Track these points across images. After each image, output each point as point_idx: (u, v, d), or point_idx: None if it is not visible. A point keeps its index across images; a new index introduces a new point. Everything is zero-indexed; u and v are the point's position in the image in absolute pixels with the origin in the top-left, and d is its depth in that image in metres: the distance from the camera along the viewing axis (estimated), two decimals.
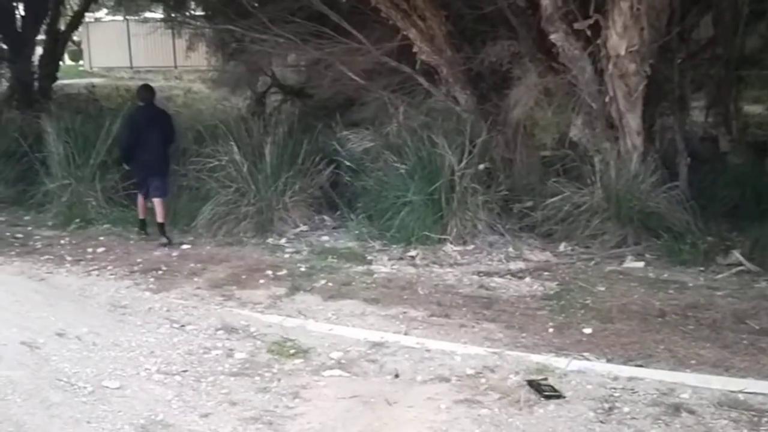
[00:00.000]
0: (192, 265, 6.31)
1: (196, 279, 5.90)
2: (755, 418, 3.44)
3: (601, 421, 3.39)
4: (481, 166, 7.24)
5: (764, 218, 6.51)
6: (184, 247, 6.86)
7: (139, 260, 6.42)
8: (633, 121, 7.12)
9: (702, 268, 6.10)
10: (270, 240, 7.05)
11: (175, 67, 20.69)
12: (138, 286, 5.72)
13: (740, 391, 3.71)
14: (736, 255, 6.12)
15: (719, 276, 5.89)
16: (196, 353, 4.33)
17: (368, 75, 8.65)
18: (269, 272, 6.08)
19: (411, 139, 7.43)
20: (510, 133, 7.73)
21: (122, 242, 7.05)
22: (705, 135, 9.00)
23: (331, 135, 8.24)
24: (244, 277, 5.97)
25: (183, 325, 4.81)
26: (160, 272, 6.09)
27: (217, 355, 4.27)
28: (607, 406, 3.56)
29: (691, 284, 5.81)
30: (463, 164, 7.13)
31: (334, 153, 7.93)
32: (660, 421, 3.40)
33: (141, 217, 7.28)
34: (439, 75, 7.96)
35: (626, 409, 3.51)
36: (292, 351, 4.36)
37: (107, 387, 3.64)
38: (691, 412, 3.52)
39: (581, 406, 3.54)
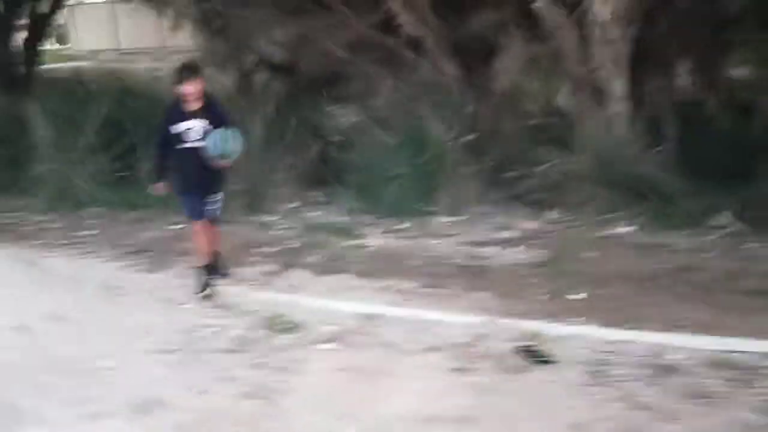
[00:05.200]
0: (185, 244, 6.30)
1: (189, 258, 5.90)
2: (747, 377, 3.48)
3: (594, 385, 3.43)
4: (470, 137, 7.24)
5: (751, 180, 6.54)
6: (177, 226, 6.85)
7: (132, 241, 6.42)
8: (619, 86, 7.13)
9: (692, 231, 6.14)
10: (261, 217, 7.05)
11: (164, 47, 20.47)
12: (132, 267, 5.72)
13: (732, 351, 3.75)
14: (726, 216, 6.16)
15: (709, 238, 5.92)
16: (191, 331, 4.35)
17: (353, 49, 8.59)
18: (262, 249, 6.09)
19: (398, 112, 7.41)
20: (497, 102, 7.73)
21: (114, 224, 7.04)
22: (692, 99, 9.01)
23: (318, 111, 8.20)
24: (236, 254, 5.96)
25: (178, 304, 4.82)
26: (153, 252, 6.08)
27: (212, 332, 4.29)
28: (599, 369, 3.60)
29: (681, 247, 5.84)
30: (451, 135, 7.14)
31: (322, 129, 7.90)
32: (652, 382, 3.44)
33: (206, 252, 5.09)
34: (424, 46, 7.92)
35: (618, 372, 3.56)
36: (286, 326, 4.38)
37: (102, 367, 3.65)
38: (684, 372, 3.56)
39: (574, 371, 3.58)
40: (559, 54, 7.24)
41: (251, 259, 5.88)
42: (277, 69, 11.73)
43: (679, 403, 3.24)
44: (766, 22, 7.75)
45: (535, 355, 3.74)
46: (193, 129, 4.81)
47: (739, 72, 8.95)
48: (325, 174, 7.80)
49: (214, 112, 4.87)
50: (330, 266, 5.65)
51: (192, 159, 4.79)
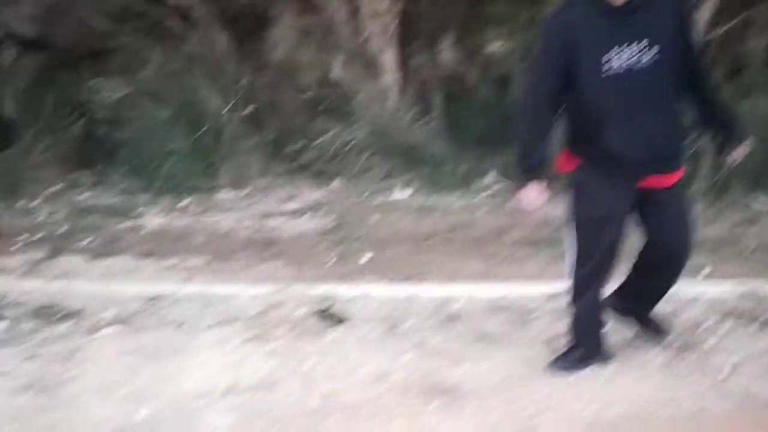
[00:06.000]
0: None
1: None
2: (522, 316, 3.79)
3: (387, 338, 3.54)
4: (247, 110, 7.11)
5: (510, 144, 7.12)
6: None
7: None
8: (389, 58, 7.40)
9: (462, 192, 6.56)
10: (20, 203, 6.39)
11: None
12: None
13: (507, 296, 4.05)
14: (491, 176, 6.66)
15: (477, 198, 6.37)
16: None
17: (115, 20, 8.03)
18: (23, 237, 5.52)
19: (170, 84, 7.08)
20: (273, 75, 7.66)
21: None
22: (454, 71, 9.59)
23: (79, 87, 7.58)
24: None
25: None
26: None
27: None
28: (390, 324, 3.72)
29: (453, 207, 6.23)
30: (227, 108, 6.97)
31: (86, 105, 7.33)
32: (439, 330, 3.64)
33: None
34: (193, 16, 7.62)
35: (408, 324, 3.71)
36: (59, 314, 4.01)
37: None
38: (466, 318, 3.79)
39: (367, 327, 3.67)
40: (332, 26, 7.33)
41: (12, 248, 5.31)
42: (27, 44, 10.68)
43: (465, 347, 3.44)
44: None
45: (329, 317, 3.78)
46: None
47: (495, 45, 9.67)
48: (91, 153, 7.25)
49: None
50: (106, 249, 5.28)
51: None
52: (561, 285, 3.29)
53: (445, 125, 7.48)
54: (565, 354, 3.14)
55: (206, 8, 7.53)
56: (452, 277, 4.50)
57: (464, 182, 6.74)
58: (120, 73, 7.60)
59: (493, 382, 3.08)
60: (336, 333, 3.62)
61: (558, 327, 3.41)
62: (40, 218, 6.02)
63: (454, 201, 6.36)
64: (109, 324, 3.94)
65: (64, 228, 5.73)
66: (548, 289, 3.93)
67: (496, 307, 3.92)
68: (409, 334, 3.58)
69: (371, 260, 4.90)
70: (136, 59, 7.67)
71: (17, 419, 2.82)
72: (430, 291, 4.20)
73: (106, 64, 8.04)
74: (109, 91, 7.35)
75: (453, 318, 3.81)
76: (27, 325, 3.88)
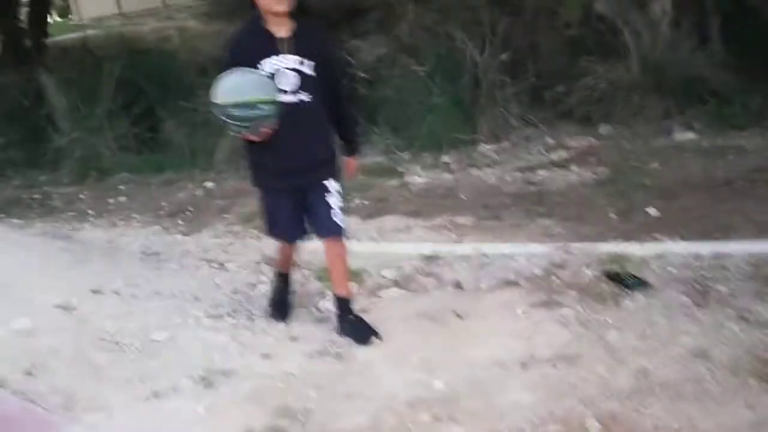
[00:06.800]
0: (219, 202, 6.01)
1: (226, 216, 5.60)
2: None
3: (699, 305, 3.08)
4: (504, 56, 6.77)
5: None
6: (208, 184, 6.54)
7: (163, 204, 6.12)
8: None
9: (757, 129, 5.70)
10: None
11: (164, 6, 19.89)
12: (167, 230, 5.43)
13: None
14: None
15: None
16: (242, 291, 4.06)
17: None
18: None
19: (426, 37, 6.95)
20: (530, 16, 7.21)
21: (143, 189, 6.74)
22: None
23: (339, 49, 7.74)
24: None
25: (222, 264, 4.53)
26: (187, 213, 5.78)
27: (264, 289, 3.98)
28: (698, 288, 3.24)
29: (749, 147, 5.42)
30: (485, 56, 6.69)
31: (346, 65, 7.46)
32: (764, 297, 3.08)
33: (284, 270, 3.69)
34: None
35: (722, 289, 3.20)
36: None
37: (156, 340, 3.36)
38: None
39: (672, 292, 3.22)
40: None
41: None
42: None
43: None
44: None
45: (624, 279, 3.38)
46: None
47: None
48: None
49: None
50: (375, 209, 5.31)
51: None
52: None
53: (726, 54, 6.54)
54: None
55: None
56: (763, 230, 3.85)
57: (759, 118, 5.86)
58: (377, 32, 7.64)
59: None
60: (635, 299, 3.22)
61: None
62: None
63: (748, 140, 5.54)
64: (389, 285, 3.91)
65: None
66: None
67: None
68: (726, 302, 3.07)
69: (660, 213, 4.37)
70: (391, 17, 7.65)
71: (319, 386, 2.84)
72: (740, 248, 3.61)
73: (363, 25, 8.15)
74: (367, 50, 7.41)
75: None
76: (313, 286, 3.97)
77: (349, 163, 3.45)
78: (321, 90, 3.10)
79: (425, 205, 5.28)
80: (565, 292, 3.38)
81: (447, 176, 5.96)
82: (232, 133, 3.37)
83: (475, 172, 5.95)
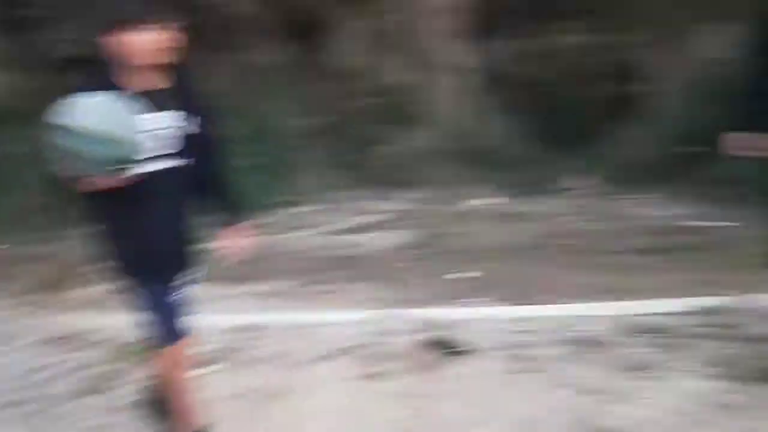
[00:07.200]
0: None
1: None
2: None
3: (520, 371, 3.14)
4: (315, 121, 6.83)
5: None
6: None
7: None
8: (454, 55, 7.07)
9: (563, 194, 6.17)
10: None
11: None
12: None
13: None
14: (574, 178, 6.24)
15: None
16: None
17: None
18: None
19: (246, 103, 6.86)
20: (337, 83, 7.36)
21: None
22: (531, 69, 9.10)
23: None
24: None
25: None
26: None
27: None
28: (517, 353, 3.32)
29: (549, 212, 5.83)
30: (296, 121, 6.71)
31: None
32: (573, 357, 3.25)
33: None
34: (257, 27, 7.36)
35: (536, 352, 3.30)
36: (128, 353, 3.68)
37: None
38: (601, 343, 3.40)
39: (494, 358, 3.26)
40: (396, 28, 7.02)
41: None
42: None
43: (614, 380, 3.05)
44: None
45: (448, 347, 3.40)
46: None
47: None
48: None
49: None
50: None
51: None
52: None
53: (530, 124, 7.10)
54: None
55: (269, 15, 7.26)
56: (570, 293, 4.09)
57: (556, 185, 6.37)
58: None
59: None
60: (459, 366, 3.23)
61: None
62: None
63: (547, 206, 5.97)
64: (213, 360, 3.63)
65: None
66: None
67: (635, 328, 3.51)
68: (544, 365, 3.18)
69: (476, 277, 4.52)
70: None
71: None
72: (551, 312, 3.79)
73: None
74: None
75: (593, 342, 3.40)
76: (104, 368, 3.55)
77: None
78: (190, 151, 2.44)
79: (242, 271, 5.05)
80: (394, 362, 3.33)
81: (265, 239, 5.79)
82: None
83: (290, 234, 5.85)
